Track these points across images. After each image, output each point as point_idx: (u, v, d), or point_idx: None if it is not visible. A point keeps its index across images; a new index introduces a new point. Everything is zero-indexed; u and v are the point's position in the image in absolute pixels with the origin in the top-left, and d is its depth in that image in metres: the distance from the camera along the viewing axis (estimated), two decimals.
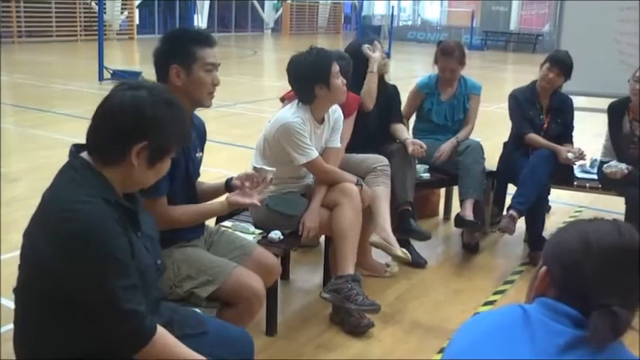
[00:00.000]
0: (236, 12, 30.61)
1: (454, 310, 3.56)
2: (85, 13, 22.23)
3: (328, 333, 3.26)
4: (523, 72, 14.45)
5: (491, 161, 4.52)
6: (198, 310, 2.31)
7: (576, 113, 4.53)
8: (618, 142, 4.22)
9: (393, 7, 28.36)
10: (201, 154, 2.65)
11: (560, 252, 1.26)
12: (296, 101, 3.28)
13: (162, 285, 2.08)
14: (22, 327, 1.77)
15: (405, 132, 4.20)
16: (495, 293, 3.81)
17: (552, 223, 4.66)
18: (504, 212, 4.23)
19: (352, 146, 3.78)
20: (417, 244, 4.10)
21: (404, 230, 3.78)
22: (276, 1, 30.70)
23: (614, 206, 4.47)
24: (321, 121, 3.32)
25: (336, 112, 3.41)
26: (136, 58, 18.68)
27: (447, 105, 4.47)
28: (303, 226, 3.19)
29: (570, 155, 4.15)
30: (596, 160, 4.58)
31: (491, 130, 6.35)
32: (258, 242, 3.01)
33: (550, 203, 4.84)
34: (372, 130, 3.97)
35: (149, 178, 1.79)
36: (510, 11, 30.10)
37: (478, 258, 4.35)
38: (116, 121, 1.69)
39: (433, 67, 4.49)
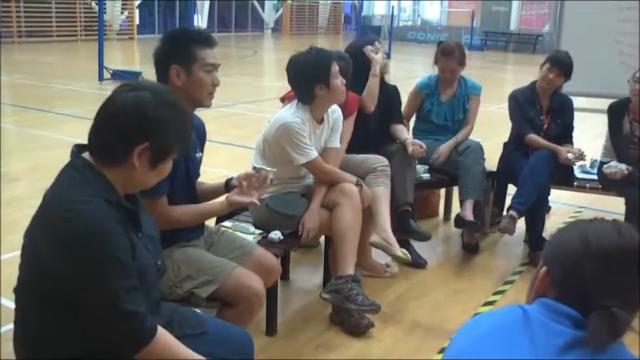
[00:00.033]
0: (236, 12, 30.62)
1: (454, 310, 3.56)
2: (85, 13, 22.25)
3: (328, 333, 3.26)
4: (523, 72, 14.47)
5: (492, 161, 4.53)
6: (198, 310, 2.31)
7: (576, 114, 4.53)
8: (618, 142, 4.22)
9: (393, 7, 28.35)
10: (201, 154, 2.65)
11: (560, 252, 1.26)
12: (295, 101, 3.28)
13: (162, 285, 2.08)
14: (23, 327, 1.77)
15: (405, 132, 4.20)
16: (495, 293, 3.81)
17: (552, 224, 4.66)
18: (504, 213, 4.23)
19: (352, 146, 3.78)
20: (416, 245, 4.10)
21: (404, 230, 3.78)
22: (276, 2, 30.71)
23: (614, 207, 4.47)
24: (321, 121, 3.32)
25: (335, 112, 3.41)
26: (136, 58, 18.69)
27: (446, 105, 4.47)
28: (303, 226, 3.19)
29: (570, 156, 4.16)
30: (596, 160, 4.58)
31: (491, 131, 6.36)
32: (258, 242, 3.01)
33: (550, 204, 4.84)
34: (372, 130, 3.97)
35: (151, 179, 1.79)
36: (510, 11, 30.11)
37: (478, 258, 4.35)
38: (118, 121, 1.69)
39: (433, 67, 4.49)
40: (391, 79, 4.36)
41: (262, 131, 3.34)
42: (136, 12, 24.75)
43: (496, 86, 12.53)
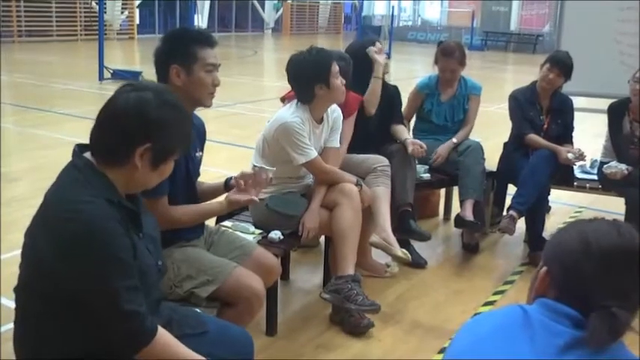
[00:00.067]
0: (236, 12, 30.63)
1: (454, 310, 3.56)
2: (85, 12, 22.27)
3: (328, 333, 3.26)
4: (523, 72, 14.47)
5: (492, 162, 4.52)
6: (198, 310, 2.31)
7: (576, 114, 4.53)
8: (618, 142, 4.22)
9: (393, 7, 28.36)
10: (201, 153, 2.65)
11: (560, 252, 1.26)
12: (295, 101, 3.28)
13: (162, 285, 2.08)
14: (23, 327, 1.77)
15: (406, 132, 4.19)
16: (495, 294, 3.81)
17: (552, 224, 4.66)
18: (504, 213, 4.23)
19: (353, 146, 3.77)
20: (417, 245, 4.10)
21: (404, 231, 3.78)
22: (276, 1, 30.71)
23: (614, 207, 4.46)
24: (320, 120, 3.32)
25: (335, 111, 3.41)
26: (137, 57, 18.69)
27: (447, 106, 4.47)
28: (303, 226, 3.19)
29: (570, 156, 4.16)
30: (596, 160, 4.58)
31: (491, 131, 6.36)
32: (258, 242, 3.01)
33: (550, 204, 4.84)
34: (373, 130, 3.97)
35: (152, 180, 1.79)
36: (510, 11, 30.12)
37: (478, 258, 4.35)
38: (120, 122, 1.69)
39: (433, 67, 4.48)
40: (391, 79, 4.36)
41: (262, 131, 3.34)
42: (137, 12, 24.76)
43: (496, 86, 12.53)
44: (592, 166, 4.65)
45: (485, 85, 4.74)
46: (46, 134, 7.58)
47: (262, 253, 2.75)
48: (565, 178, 4.42)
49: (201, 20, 25.16)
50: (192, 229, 2.59)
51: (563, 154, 4.16)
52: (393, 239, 3.54)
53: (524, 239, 4.53)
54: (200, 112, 2.60)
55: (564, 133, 4.38)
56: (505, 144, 4.57)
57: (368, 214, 3.50)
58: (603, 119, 4.38)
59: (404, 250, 3.61)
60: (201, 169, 2.67)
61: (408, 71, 16.08)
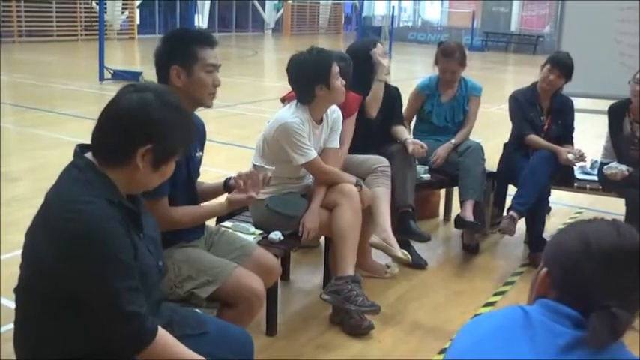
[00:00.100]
0: (237, 12, 30.64)
1: (454, 311, 3.56)
2: (85, 12, 22.27)
3: (328, 333, 3.26)
4: (524, 73, 14.48)
5: (492, 162, 4.53)
6: (198, 310, 2.31)
7: (577, 115, 4.53)
8: (618, 143, 4.22)
9: (393, 7, 28.34)
10: (201, 154, 2.65)
11: (560, 253, 1.26)
12: (295, 101, 3.28)
13: (162, 285, 2.08)
14: (23, 327, 1.77)
15: (406, 133, 4.19)
16: (495, 294, 3.81)
17: (552, 225, 4.66)
18: (504, 213, 4.23)
19: (353, 147, 3.77)
20: (417, 245, 4.10)
21: (404, 231, 3.78)
22: (276, 2, 30.72)
23: (614, 208, 4.46)
24: (320, 121, 3.32)
25: (334, 112, 3.41)
26: (137, 58, 18.70)
27: (447, 106, 4.47)
28: (303, 226, 3.19)
29: (570, 156, 4.16)
30: (596, 161, 4.58)
31: (491, 131, 6.36)
32: (258, 243, 3.01)
33: (550, 204, 4.84)
34: (373, 131, 3.97)
35: (153, 181, 1.79)
36: (511, 12, 30.14)
37: (478, 259, 4.35)
38: (122, 123, 1.69)
39: (434, 68, 4.48)
40: (391, 80, 4.36)
41: (262, 131, 3.34)
42: (137, 12, 24.76)
43: (496, 87, 12.53)
44: (592, 167, 4.65)
45: (485, 85, 4.74)
46: (47, 134, 7.59)
47: (262, 254, 2.75)
48: (565, 179, 4.42)
49: (201, 20, 25.17)
50: (193, 229, 2.59)
51: (564, 155, 4.16)
52: (393, 240, 3.54)
53: (524, 240, 4.53)
54: (200, 113, 2.60)
55: (564, 134, 4.38)
56: (505, 145, 4.57)
57: (368, 214, 3.50)
58: (603, 120, 4.38)
59: (404, 250, 3.61)
60: (201, 169, 2.67)
61: (408, 72, 16.08)
